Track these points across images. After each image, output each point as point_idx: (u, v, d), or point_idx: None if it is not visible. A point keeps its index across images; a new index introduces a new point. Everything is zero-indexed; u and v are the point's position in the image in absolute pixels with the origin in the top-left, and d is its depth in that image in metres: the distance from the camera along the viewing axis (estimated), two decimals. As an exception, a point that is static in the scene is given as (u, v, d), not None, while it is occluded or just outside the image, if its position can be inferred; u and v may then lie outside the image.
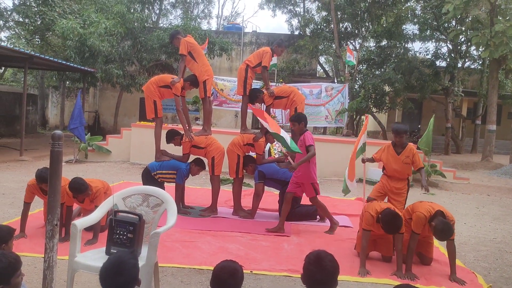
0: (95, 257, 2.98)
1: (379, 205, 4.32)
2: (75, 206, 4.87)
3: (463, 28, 15.78)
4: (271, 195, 7.00)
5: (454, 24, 18.64)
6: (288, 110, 6.33)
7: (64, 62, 13.57)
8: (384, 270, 4.21)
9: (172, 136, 6.12)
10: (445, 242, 4.09)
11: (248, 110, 6.42)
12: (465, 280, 3.97)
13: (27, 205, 4.64)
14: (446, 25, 19.35)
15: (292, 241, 4.99)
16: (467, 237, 5.67)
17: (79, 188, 4.32)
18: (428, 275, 4.13)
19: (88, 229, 4.23)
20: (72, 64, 13.88)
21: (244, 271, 2.31)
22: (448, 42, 19.59)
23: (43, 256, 2.61)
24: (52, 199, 2.73)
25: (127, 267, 2.08)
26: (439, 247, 4.91)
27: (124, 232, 2.97)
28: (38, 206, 5.32)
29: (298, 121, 5.40)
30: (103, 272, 2.08)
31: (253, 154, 6.19)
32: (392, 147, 5.15)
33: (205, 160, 6.08)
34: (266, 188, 6.08)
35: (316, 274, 2.19)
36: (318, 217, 6.02)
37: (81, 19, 14.79)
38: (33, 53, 12.12)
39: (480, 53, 15.02)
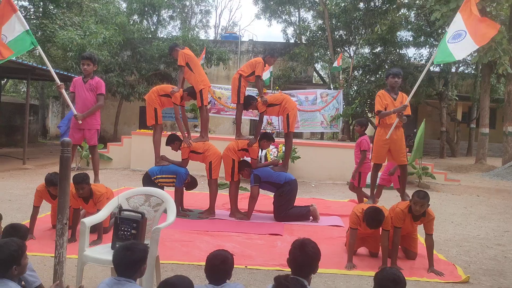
0: (102, 251, 3.28)
1: (365, 205, 4.64)
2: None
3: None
4: (266, 198, 7.29)
5: (447, 30, 19.04)
6: (281, 116, 6.63)
7: (65, 73, 13.89)
8: (370, 264, 4.50)
9: (173, 140, 6.47)
10: (424, 236, 4.41)
11: (242, 117, 6.74)
12: (445, 271, 4.25)
13: (36, 209, 4.96)
14: (439, 31, 19.78)
15: (285, 240, 5.28)
16: (452, 234, 5.96)
17: (82, 178, 4.69)
18: (411, 269, 4.41)
19: (91, 231, 4.52)
20: (72, 75, 14.19)
21: (239, 266, 2.65)
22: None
23: (51, 255, 2.89)
24: (62, 200, 3.03)
25: (138, 247, 2.48)
26: (424, 243, 5.19)
27: (128, 228, 3.25)
28: (44, 211, 5.61)
29: (361, 125, 6.82)
30: (116, 250, 2.45)
31: (248, 159, 6.51)
32: (386, 92, 5.39)
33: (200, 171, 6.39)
34: (261, 191, 6.38)
35: (299, 257, 2.51)
36: (311, 217, 6.31)
37: (81, 31, 15.15)
38: (35, 64, 12.44)
39: (471, 58, 15.39)
